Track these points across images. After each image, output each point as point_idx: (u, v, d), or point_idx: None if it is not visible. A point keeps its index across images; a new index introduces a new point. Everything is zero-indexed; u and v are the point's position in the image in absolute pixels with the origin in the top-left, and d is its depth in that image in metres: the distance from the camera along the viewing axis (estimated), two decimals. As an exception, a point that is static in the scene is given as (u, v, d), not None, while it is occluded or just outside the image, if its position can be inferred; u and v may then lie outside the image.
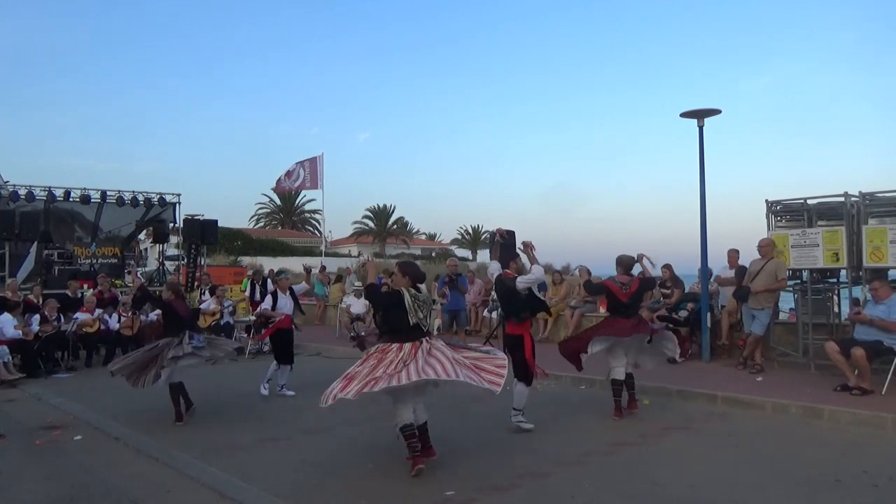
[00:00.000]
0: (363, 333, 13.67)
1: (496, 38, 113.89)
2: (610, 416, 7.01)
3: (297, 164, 22.77)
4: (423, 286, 5.57)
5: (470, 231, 62.08)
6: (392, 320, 5.44)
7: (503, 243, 7.04)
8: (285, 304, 8.99)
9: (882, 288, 7.75)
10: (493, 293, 13.09)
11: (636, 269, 7.62)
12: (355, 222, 57.67)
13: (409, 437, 5.23)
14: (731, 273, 10.20)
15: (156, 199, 18.01)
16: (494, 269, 6.90)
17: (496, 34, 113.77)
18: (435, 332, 11.79)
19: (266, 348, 12.98)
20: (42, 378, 10.21)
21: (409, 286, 5.44)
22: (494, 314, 13.01)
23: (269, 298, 8.98)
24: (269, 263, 22.62)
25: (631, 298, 7.14)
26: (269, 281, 14.61)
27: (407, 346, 5.21)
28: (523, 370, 6.50)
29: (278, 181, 23.37)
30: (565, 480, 5.05)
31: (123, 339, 11.75)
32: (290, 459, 5.75)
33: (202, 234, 17.00)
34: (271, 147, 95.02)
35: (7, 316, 10.32)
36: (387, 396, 5.29)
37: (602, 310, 10.88)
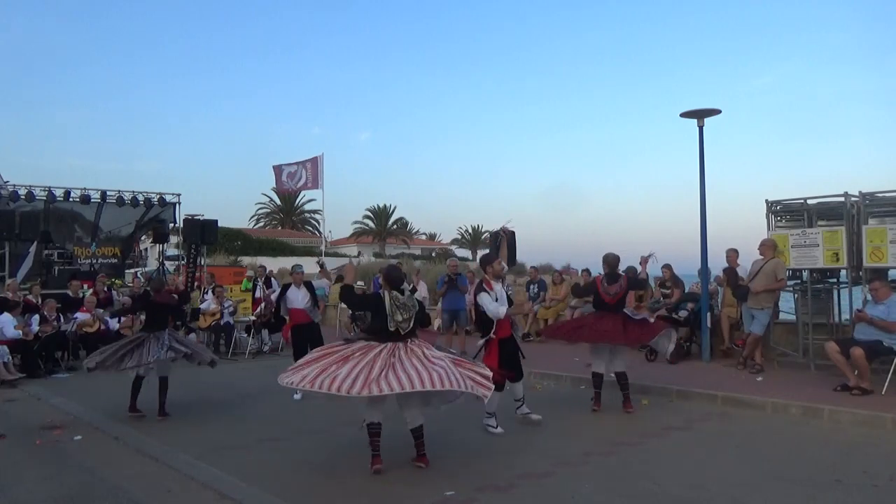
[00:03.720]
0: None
1: (496, 38, 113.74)
2: (609, 415, 7.03)
3: (298, 163, 22.65)
4: (408, 289, 5.63)
5: (470, 231, 62.08)
6: (375, 323, 5.51)
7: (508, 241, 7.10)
8: (297, 297, 8.63)
9: (882, 288, 7.75)
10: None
11: (637, 269, 7.70)
12: (355, 222, 57.62)
13: (373, 436, 5.27)
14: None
15: (156, 199, 18.03)
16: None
17: (496, 34, 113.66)
18: (437, 330, 11.89)
19: (266, 348, 13.02)
20: (42, 378, 10.20)
21: (390, 289, 5.49)
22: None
23: (278, 289, 8.60)
24: (270, 263, 22.57)
25: (618, 301, 7.33)
26: (273, 280, 14.71)
27: (388, 345, 5.24)
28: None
29: (277, 169, 22.88)
30: (565, 480, 5.05)
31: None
32: (290, 459, 5.75)
33: (202, 234, 17.00)
34: (271, 147, 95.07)
35: (7, 316, 10.31)
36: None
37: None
